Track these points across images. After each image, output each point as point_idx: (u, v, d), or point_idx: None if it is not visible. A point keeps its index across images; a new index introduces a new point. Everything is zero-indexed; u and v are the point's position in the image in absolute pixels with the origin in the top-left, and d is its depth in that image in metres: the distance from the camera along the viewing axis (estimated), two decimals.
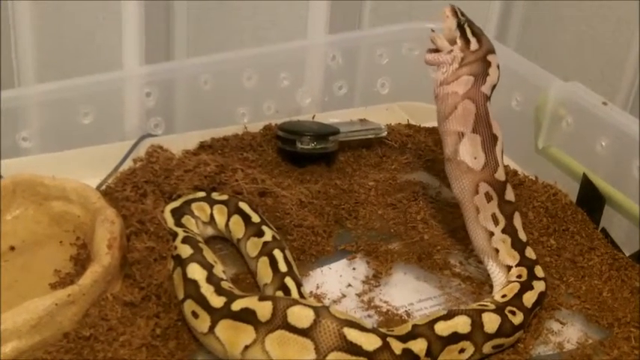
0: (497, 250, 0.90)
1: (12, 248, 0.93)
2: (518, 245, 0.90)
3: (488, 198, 0.90)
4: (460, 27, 0.91)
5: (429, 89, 1.33)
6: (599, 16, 1.44)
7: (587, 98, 1.10)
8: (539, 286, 0.87)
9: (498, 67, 0.92)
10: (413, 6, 1.48)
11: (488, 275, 0.93)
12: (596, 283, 0.95)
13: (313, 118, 1.20)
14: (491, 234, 0.90)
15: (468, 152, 0.90)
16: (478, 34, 0.92)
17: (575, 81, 1.15)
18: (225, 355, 0.79)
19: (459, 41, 0.91)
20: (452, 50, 0.91)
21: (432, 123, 1.24)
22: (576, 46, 1.49)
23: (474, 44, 0.91)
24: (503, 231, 0.90)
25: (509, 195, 0.91)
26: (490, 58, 0.91)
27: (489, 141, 0.90)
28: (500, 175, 0.90)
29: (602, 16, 1.44)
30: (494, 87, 0.92)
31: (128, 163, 1.04)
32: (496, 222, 0.90)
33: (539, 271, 0.89)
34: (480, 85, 0.90)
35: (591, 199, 1.06)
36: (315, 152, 1.09)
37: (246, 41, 1.41)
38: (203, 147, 1.10)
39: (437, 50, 0.92)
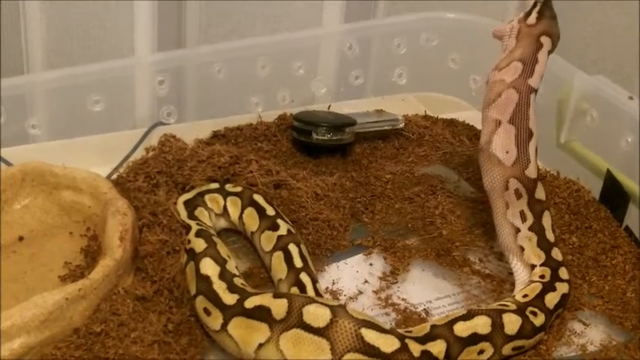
0: (522, 248, 0.88)
1: (20, 238, 0.91)
2: (544, 245, 0.88)
3: (518, 195, 0.88)
4: (534, 4, 0.91)
5: (445, 80, 1.32)
6: (618, 8, 1.41)
7: (612, 92, 1.08)
8: (562, 287, 0.85)
9: (549, 53, 0.90)
10: None
11: (509, 273, 0.91)
12: (619, 282, 0.93)
13: (329, 108, 1.18)
14: (518, 230, 0.89)
15: (500, 144, 0.88)
16: (542, 14, 0.90)
17: (596, 74, 1.13)
18: (238, 352, 0.77)
19: (522, 14, 0.91)
20: (512, 20, 0.91)
21: (449, 114, 1.23)
22: (594, 38, 1.46)
23: (531, 19, 0.90)
24: (530, 229, 0.88)
25: (540, 193, 0.89)
26: (543, 40, 0.90)
27: (524, 135, 0.88)
28: (531, 172, 0.88)
29: (621, 7, 1.41)
30: (542, 77, 0.90)
31: (140, 153, 1.02)
32: (524, 219, 0.88)
33: (563, 272, 0.87)
34: (528, 76, 0.89)
35: (615, 196, 1.03)
36: (330, 143, 1.06)
37: (259, 29, 1.39)
38: (216, 136, 1.08)
39: None
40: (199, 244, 0.84)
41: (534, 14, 0.90)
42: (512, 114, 0.88)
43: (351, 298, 0.87)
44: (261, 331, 0.75)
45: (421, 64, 1.29)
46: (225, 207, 0.93)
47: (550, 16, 0.91)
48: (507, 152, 0.88)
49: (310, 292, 0.83)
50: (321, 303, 0.74)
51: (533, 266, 0.88)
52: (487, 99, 0.90)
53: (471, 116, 1.24)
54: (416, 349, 0.73)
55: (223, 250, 0.85)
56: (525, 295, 0.84)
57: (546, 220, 0.89)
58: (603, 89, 1.09)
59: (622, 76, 1.41)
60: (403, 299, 0.88)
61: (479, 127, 1.18)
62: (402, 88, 1.31)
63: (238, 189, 0.94)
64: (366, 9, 1.45)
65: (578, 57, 1.43)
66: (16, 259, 0.88)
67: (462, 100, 1.31)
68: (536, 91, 0.89)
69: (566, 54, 1.37)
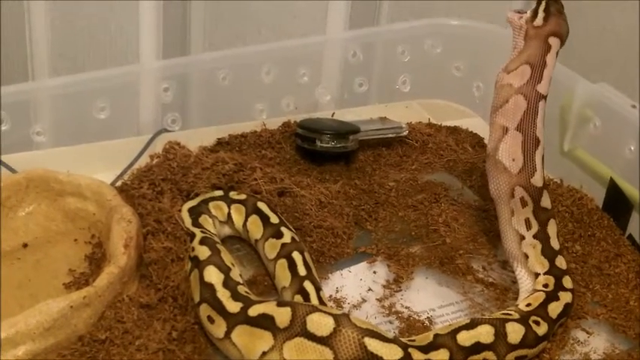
0: (526, 256, 0.88)
1: (25, 245, 0.91)
2: (548, 253, 0.88)
3: (523, 203, 0.88)
4: (539, 3, 0.89)
5: (449, 87, 1.32)
6: (621, 9, 1.41)
7: (616, 100, 1.07)
8: (565, 297, 0.85)
9: (557, 54, 0.89)
10: (434, 2, 1.45)
11: (512, 281, 0.91)
12: (622, 291, 0.93)
13: (333, 115, 1.18)
14: (522, 238, 0.89)
15: (507, 151, 0.88)
16: (549, 13, 0.89)
17: (600, 82, 1.13)
18: None
19: (528, 12, 0.89)
20: (522, 17, 0.89)
21: (453, 122, 1.23)
22: (597, 43, 1.46)
23: (538, 20, 0.88)
24: (535, 236, 0.88)
25: (546, 202, 0.89)
26: (552, 41, 0.89)
27: (531, 143, 0.88)
28: (537, 180, 0.88)
29: (623, 9, 1.40)
30: (550, 81, 0.89)
31: (144, 160, 1.02)
32: (529, 226, 0.89)
33: (567, 281, 0.87)
34: (536, 82, 0.88)
35: (618, 205, 1.03)
36: (334, 151, 1.06)
37: (264, 35, 1.39)
38: (220, 144, 1.08)
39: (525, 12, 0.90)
40: (203, 252, 0.84)
41: (541, 14, 0.88)
42: (520, 121, 0.88)
43: (354, 306, 0.87)
44: (264, 340, 0.75)
45: (425, 71, 1.29)
46: (229, 214, 0.94)
47: (557, 11, 0.89)
48: (514, 160, 0.88)
49: (314, 300, 0.83)
50: (325, 311, 0.75)
51: (537, 274, 0.88)
52: (495, 103, 0.89)
53: (475, 124, 1.24)
54: (419, 358, 0.74)
55: (227, 257, 0.85)
56: (529, 304, 0.84)
57: (551, 229, 0.89)
58: (607, 97, 1.09)
59: (626, 83, 1.41)
60: (407, 307, 0.88)
61: (482, 134, 1.19)
62: (405, 96, 1.31)
63: (242, 196, 0.95)
64: (370, 15, 1.45)
65: (581, 63, 1.43)
66: (20, 266, 0.88)
67: (465, 107, 1.31)
68: (545, 97, 0.88)
69: (569, 60, 1.37)
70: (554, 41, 0.89)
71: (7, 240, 0.91)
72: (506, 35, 1.24)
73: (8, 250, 0.90)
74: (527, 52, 0.89)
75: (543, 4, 0.89)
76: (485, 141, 1.17)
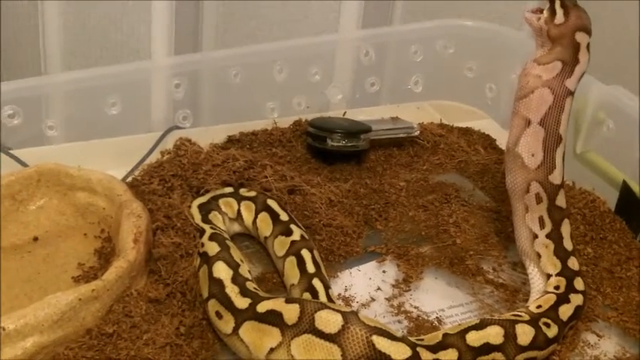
0: (539, 255, 0.87)
1: (35, 239, 0.92)
2: (561, 253, 0.87)
3: (538, 200, 0.87)
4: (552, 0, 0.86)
5: (461, 88, 1.31)
6: (635, 14, 1.40)
7: (629, 103, 1.07)
8: (576, 299, 0.84)
9: (588, 47, 0.86)
10: (447, 3, 1.45)
11: (523, 283, 0.91)
12: (634, 294, 0.92)
13: (344, 114, 1.18)
14: (535, 236, 0.88)
15: (527, 146, 0.86)
16: (568, 7, 0.85)
17: (614, 84, 1.12)
18: (249, 356, 0.77)
19: (545, 12, 0.86)
20: (540, 18, 0.86)
21: (465, 123, 1.22)
22: (611, 46, 1.45)
23: (559, 17, 0.85)
24: (548, 236, 0.87)
25: (561, 201, 0.88)
26: (579, 37, 0.85)
27: (553, 139, 0.86)
28: (555, 178, 0.87)
29: (638, 12, 1.40)
30: (582, 76, 0.86)
31: (155, 156, 1.02)
32: (542, 225, 0.87)
33: (578, 283, 0.86)
34: (566, 77, 0.85)
35: (630, 208, 1.03)
36: (345, 150, 1.06)
37: (276, 34, 1.39)
38: (231, 141, 1.08)
39: (542, 11, 0.87)
40: (212, 248, 0.84)
41: (559, 10, 0.85)
42: (544, 116, 0.85)
43: (363, 304, 0.87)
44: (272, 336, 0.75)
45: (437, 72, 1.29)
46: (239, 211, 0.94)
47: (572, 4, 0.86)
48: (533, 155, 0.86)
49: (322, 297, 0.82)
50: (333, 309, 0.74)
51: (548, 275, 0.87)
52: (519, 92, 0.86)
53: (487, 125, 1.24)
54: (427, 357, 0.73)
55: (236, 254, 0.85)
56: (539, 306, 0.83)
57: (565, 229, 0.88)
58: (620, 99, 1.08)
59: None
60: (416, 307, 0.87)
61: (494, 136, 1.18)
62: (417, 96, 1.30)
63: (252, 194, 0.95)
64: (383, 15, 1.45)
65: (595, 66, 1.42)
66: (30, 260, 0.89)
67: (477, 109, 1.31)
68: (572, 93, 0.86)
69: None
70: (581, 37, 0.85)
71: (18, 234, 0.91)
72: (519, 37, 1.24)
73: (19, 243, 0.91)
74: (557, 49, 0.85)
75: (558, 0, 0.86)
76: (497, 143, 1.17)
